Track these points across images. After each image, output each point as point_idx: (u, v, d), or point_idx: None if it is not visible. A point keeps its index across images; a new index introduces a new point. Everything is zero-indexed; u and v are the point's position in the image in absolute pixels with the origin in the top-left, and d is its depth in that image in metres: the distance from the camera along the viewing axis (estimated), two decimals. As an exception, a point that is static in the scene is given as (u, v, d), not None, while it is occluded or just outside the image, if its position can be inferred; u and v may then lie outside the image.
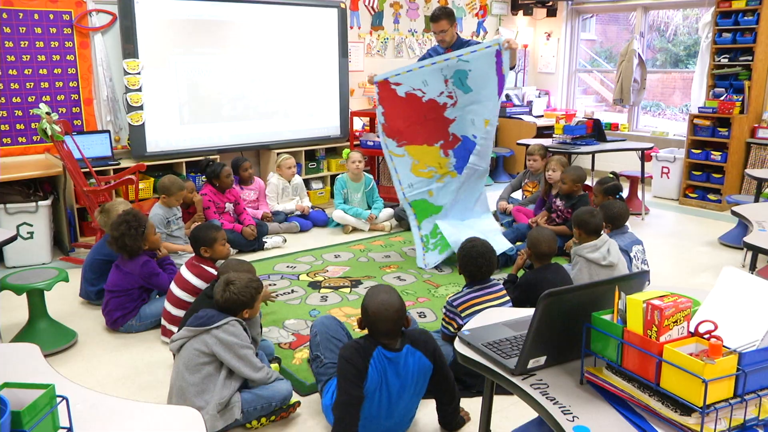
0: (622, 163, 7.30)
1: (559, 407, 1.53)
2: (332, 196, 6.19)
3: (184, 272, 3.56)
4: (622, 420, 1.48)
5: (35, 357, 1.76)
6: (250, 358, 2.68)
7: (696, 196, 6.86)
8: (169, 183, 4.62)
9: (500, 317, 2.04)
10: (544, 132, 7.96)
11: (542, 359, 1.67)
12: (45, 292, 3.47)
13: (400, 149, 4.92)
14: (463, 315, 2.97)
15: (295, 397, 2.88)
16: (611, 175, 5.24)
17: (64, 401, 1.24)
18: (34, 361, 1.75)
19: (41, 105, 4.57)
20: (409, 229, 5.80)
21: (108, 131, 5.62)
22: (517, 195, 6.30)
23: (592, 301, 1.64)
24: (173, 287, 3.54)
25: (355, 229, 5.84)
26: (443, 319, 3.11)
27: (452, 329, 3.05)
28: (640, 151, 6.32)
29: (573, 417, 1.49)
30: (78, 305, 4.12)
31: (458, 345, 1.86)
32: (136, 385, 3.15)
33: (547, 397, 1.57)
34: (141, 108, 5.56)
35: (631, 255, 4.02)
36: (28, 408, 1.15)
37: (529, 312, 2.07)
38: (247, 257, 5.06)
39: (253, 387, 2.72)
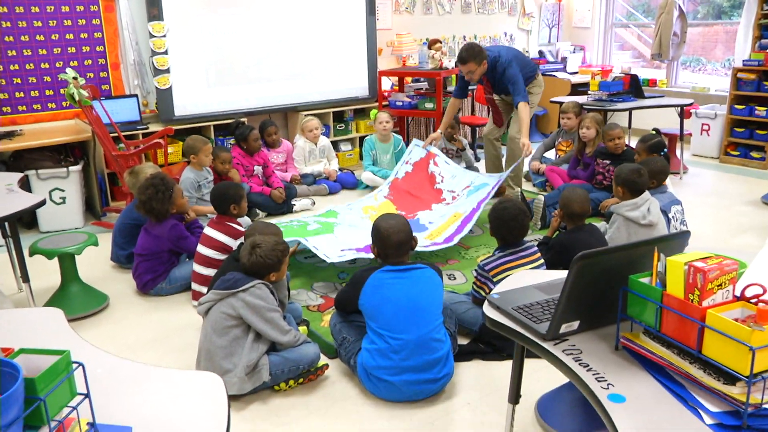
0: (660, 121, 7.02)
1: (593, 374, 1.46)
2: (361, 157, 6.11)
3: (209, 231, 3.55)
4: (660, 388, 1.40)
5: (59, 321, 1.75)
6: (278, 321, 2.66)
7: (738, 153, 6.59)
8: (192, 142, 4.59)
9: (531, 280, 1.96)
10: (578, 89, 7.72)
11: (575, 324, 1.59)
12: (76, 256, 3.50)
13: (382, 201, 4.97)
14: (495, 280, 2.89)
15: (323, 360, 2.87)
16: (654, 132, 5.04)
17: (81, 367, 1.21)
18: (57, 325, 1.74)
19: (68, 70, 4.54)
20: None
21: (136, 95, 5.60)
22: (550, 154, 6.13)
23: (629, 263, 1.55)
24: (200, 248, 3.54)
25: (384, 191, 5.76)
26: (474, 283, 3.04)
27: (483, 294, 2.98)
28: (679, 108, 6.07)
29: (608, 384, 1.42)
30: (109, 269, 4.16)
31: (487, 309, 1.79)
32: (165, 347, 3.17)
33: (580, 364, 1.50)
34: (167, 71, 5.52)
35: (670, 215, 3.88)
36: (42, 375, 1.12)
37: (561, 275, 1.99)
38: (276, 220, 5.05)
39: (281, 350, 2.70)
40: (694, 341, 1.35)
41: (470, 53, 4.77)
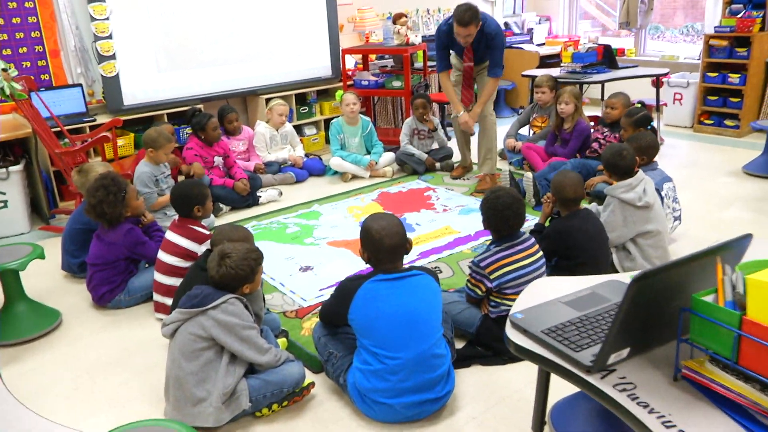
0: (632, 91, 6.83)
1: (657, 417, 1.21)
2: (327, 141, 5.77)
3: (171, 236, 3.20)
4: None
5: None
6: (255, 339, 2.35)
7: (712, 122, 6.46)
8: (155, 134, 4.17)
9: (553, 291, 1.70)
10: (547, 61, 7.49)
11: (625, 352, 1.34)
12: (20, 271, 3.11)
13: (368, 203, 4.80)
14: (492, 277, 2.63)
15: (309, 377, 2.58)
16: (638, 105, 4.83)
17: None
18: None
19: (-4, 60, 4.08)
20: (412, 173, 5.45)
21: (80, 85, 5.13)
22: (524, 131, 5.90)
23: (687, 276, 1.30)
24: (161, 255, 3.19)
25: (354, 177, 5.46)
26: (468, 281, 2.77)
27: (479, 293, 2.72)
28: (654, 78, 5.89)
29: (678, 431, 1.17)
30: (61, 279, 3.77)
31: (511, 332, 1.53)
32: (129, 369, 2.83)
33: (638, 403, 1.25)
34: (113, 57, 5.06)
35: (663, 193, 3.68)
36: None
37: (585, 284, 1.74)
38: (242, 214, 4.71)
39: (261, 371, 2.40)
40: (789, 379, 1.10)
41: (472, 15, 4.42)
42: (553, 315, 1.54)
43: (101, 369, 2.85)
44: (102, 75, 5.06)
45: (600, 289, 1.65)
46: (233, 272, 2.36)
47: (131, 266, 3.40)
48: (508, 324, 1.55)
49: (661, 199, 3.60)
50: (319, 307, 2.64)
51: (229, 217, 4.66)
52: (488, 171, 5.02)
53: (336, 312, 2.38)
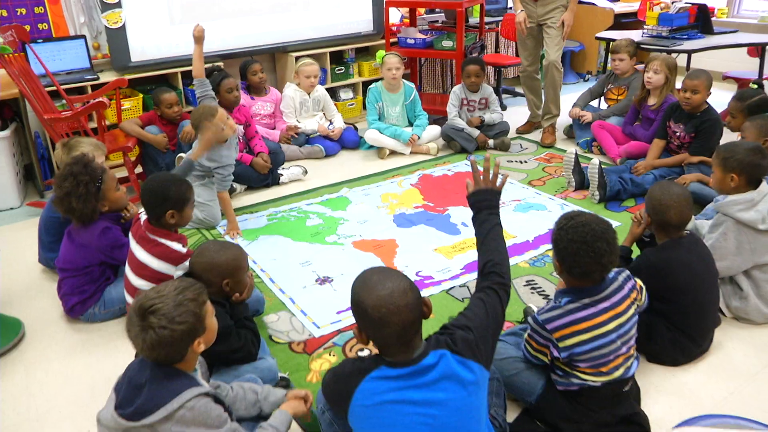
0: (723, 64, 5.86)
1: None
2: (365, 107, 5.01)
3: (137, 250, 2.46)
4: None
5: None
6: None
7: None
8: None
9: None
10: (622, 21, 6.50)
11: None
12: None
13: (407, 188, 4.16)
14: (561, 345, 1.89)
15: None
16: (755, 86, 3.90)
17: None
18: None
19: (-31, 8, 3.44)
20: (460, 151, 4.69)
21: (83, 36, 4.48)
22: (595, 104, 5.03)
23: None
24: (128, 272, 2.50)
25: (393, 153, 4.72)
26: (527, 342, 2.04)
27: (544, 359, 1.99)
28: (759, 46, 4.90)
29: None
30: (37, 274, 3.20)
31: None
32: (88, 419, 2.21)
33: None
34: (118, 5, 4.36)
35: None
36: None
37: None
38: (258, 196, 4.05)
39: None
40: None
41: None
42: None
43: (54, 416, 2.25)
44: (106, 26, 4.37)
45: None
46: (168, 333, 1.55)
47: (108, 272, 2.77)
48: None
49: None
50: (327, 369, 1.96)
51: (243, 200, 4.01)
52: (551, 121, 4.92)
53: (336, 400, 1.68)
